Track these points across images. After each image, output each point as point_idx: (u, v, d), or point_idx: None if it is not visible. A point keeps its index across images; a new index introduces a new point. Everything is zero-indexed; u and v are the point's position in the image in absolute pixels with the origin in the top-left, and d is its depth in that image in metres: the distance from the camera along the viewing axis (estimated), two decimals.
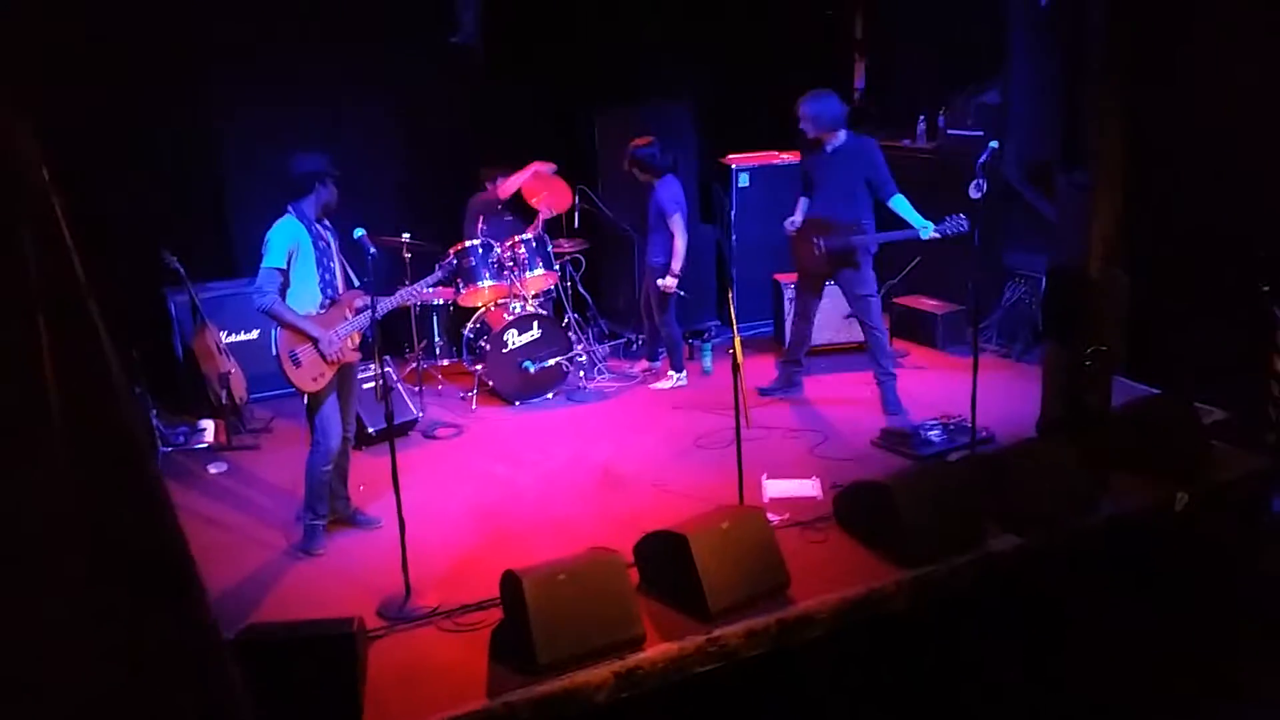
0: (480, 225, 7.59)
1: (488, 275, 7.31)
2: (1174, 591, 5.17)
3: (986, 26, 7.48)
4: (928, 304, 8.21)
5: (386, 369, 5.32)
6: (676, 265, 7.12)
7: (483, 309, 7.51)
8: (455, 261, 7.02)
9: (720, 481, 5.69)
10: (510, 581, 4.35)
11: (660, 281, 7.17)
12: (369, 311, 5.00)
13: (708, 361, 7.78)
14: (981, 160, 5.60)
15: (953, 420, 6.29)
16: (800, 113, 6.65)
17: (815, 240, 6.74)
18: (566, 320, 7.78)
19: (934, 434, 6.17)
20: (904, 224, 6.58)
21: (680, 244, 7.11)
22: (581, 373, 7.62)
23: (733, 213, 8.56)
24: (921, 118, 8.77)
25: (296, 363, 5.10)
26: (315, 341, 5.12)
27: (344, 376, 5.36)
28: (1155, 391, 6.52)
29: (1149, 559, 5.29)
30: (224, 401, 6.66)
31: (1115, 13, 5.45)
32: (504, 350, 7.18)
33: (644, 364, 7.82)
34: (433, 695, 4.12)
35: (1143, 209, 6.09)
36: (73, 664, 1.87)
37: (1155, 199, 6.39)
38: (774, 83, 7.01)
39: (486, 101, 8.06)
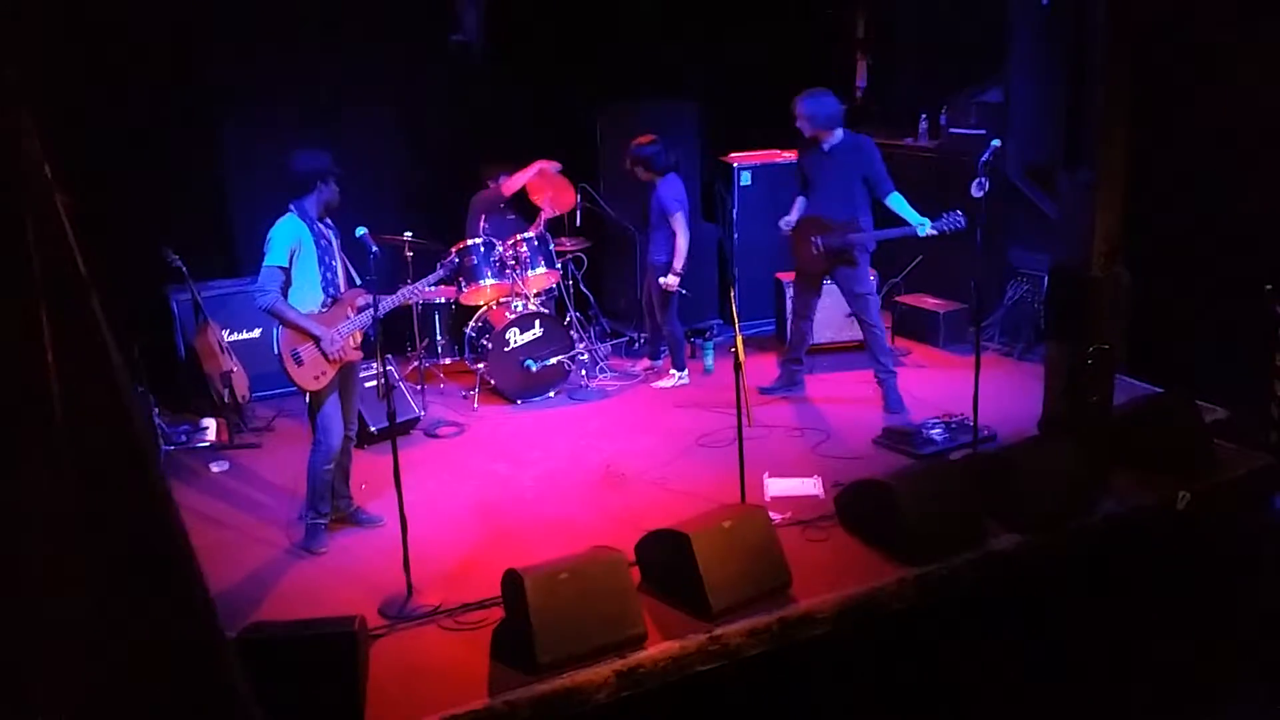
0: (482, 223, 7.59)
1: (490, 274, 7.31)
2: (1175, 591, 5.16)
3: (988, 25, 7.47)
4: (930, 302, 8.21)
5: (388, 367, 5.32)
6: (678, 264, 7.12)
7: (485, 307, 7.51)
8: (457, 260, 7.01)
9: (722, 480, 5.70)
10: (512, 580, 4.35)
11: (662, 280, 7.17)
12: (371, 310, 5.00)
13: (709, 360, 7.77)
14: (983, 159, 5.60)
15: (954, 419, 6.29)
16: (797, 111, 6.65)
17: (813, 239, 6.74)
18: (568, 319, 7.78)
19: (936, 433, 6.17)
20: (901, 221, 6.58)
21: (682, 242, 7.11)
22: (583, 371, 7.62)
23: (734, 211, 8.55)
24: (923, 116, 8.77)
25: (298, 361, 5.10)
26: (317, 340, 5.12)
27: (346, 375, 5.36)
28: (1157, 390, 6.52)
29: (1150, 558, 5.29)
30: (226, 400, 6.66)
31: (1116, 11, 5.45)
32: (506, 349, 7.18)
33: (646, 362, 7.82)
34: (434, 694, 4.12)
35: (1145, 207, 6.09)
36: (74, 663, 1.87)
37: (1158, 197, 6.39)
38: (776, 81, 7.01)
39: (488, 99, 8.06)
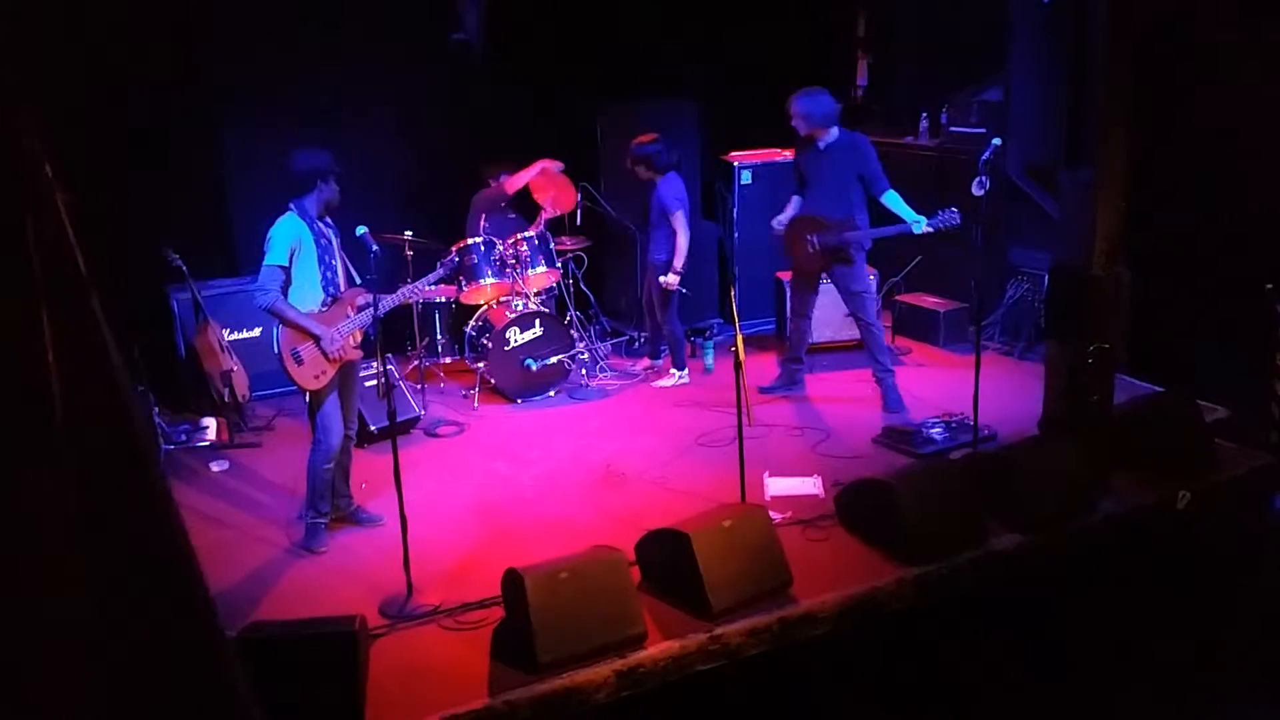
0: (483, 222, 7.59)
1: (490, 273, 7.31)
2: (1176, 590, 5.16)
3: (988, 24, 7.47)
4: (930, 301, 8.21)
5: (389, 367, 5.32)
6: (679, 262, 7.12)
7: (485, 306, 7.51)
8: (457, 259, 7.02)
9: (722, 479, 5.70)
10: (512, 580, 4.35)
11: (662, 279, 7.17)
12: (371, 309, 5.00)
13: (709, 359, 7.77)
14: (984, 157, 5.61)
15: (955, 418, 6.29)
16: (792, 110, 6.66)
17: (809, 237, 6.75)
18: (568, 318, 7.78)
19: (936, 432, 6.17)
20: (897, 219, 6.59)
21: (683, 241, 7.11)
22: (583, 370, 7.62)
23: (735, 210, 8.56)
24: (924, 115, 8.77)
25: (298, 360, 5.10)
26: (317, 339, 5.11)
27: (346, 374, 5.36)
28: (1158, 389, 6.52)
29: (1151, 557, 5.28)
30: (226, 399, 6.66)
31: (1117, 10, 5.45)
32: (506, 348, 7.18)
33: (646, 362, 7.82)
34: (434, 693, 4.12)
35: (1146, 206, 6.09)
36: (74, 663, 1.86)
37: (1158, 196, 6.39)
38: (777, 80, 7.00)
39: (488, 99, 8.06)
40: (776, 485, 5.74)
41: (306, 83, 7.40)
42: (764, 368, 7.46)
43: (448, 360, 7.90)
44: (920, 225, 6.42)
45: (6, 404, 1.80)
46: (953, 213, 6.29)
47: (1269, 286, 6.01)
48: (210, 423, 6.86)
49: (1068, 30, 5.61)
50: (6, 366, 1.80)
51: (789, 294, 7.46)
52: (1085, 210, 5.73)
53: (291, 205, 5.13)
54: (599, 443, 6.56)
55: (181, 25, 6.93)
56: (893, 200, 6.61)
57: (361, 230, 4.89)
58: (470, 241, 7.30)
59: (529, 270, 7.35)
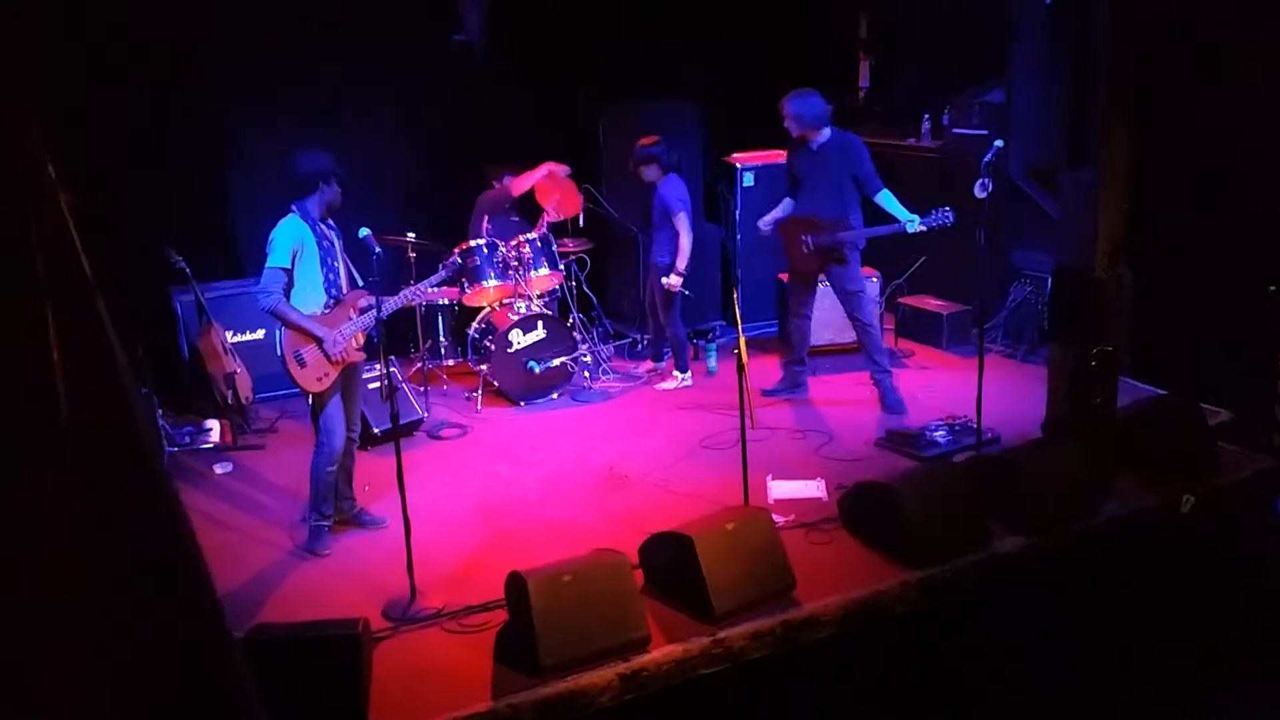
0: (486, 224, 7.58)
1: (493, 275, 7.31)
2: (1179, 593, 5.15)
3: (991, 25, 7.48)
4: (932, 304, 8.20)
5: (391, 369, 5.31)
6: (682, 264, 7.11)
7: (488, 309, 7.51)
8: (460, 261, 7.00)
9: (725, 482, 5.69)
10: (515, 583, 4.34)
11: (664, 280, 7.16)
12: (373, 311, 4.99)
13: (712, 361, 7.76)
14: (986, 159, 5.60)
15: (958, 421, 6.28)
16: (785, 112, 6.66)
17: (803, 238, 6.75)
18: (571, 320, 7.77)
19: (939, 435, 6.16)
20: (891, 219, 6.59)
21: (686, 243, 7.10)
22: (586, 373, 7.61)
23: (737, 212, 8.54)
24: (926, 116, 8.77)
25: (301, 363, 5.09)
26: (320, 341, 5.11)
27: (348, 377, 5.35)
28: (1161, 392, 6.51)
29: (1154, 560, 5.27)
30: (229, 401, 6.65)
31: (1119, 11, 5.45)
32: (509, 350, 7.17)
33: (649, 364, 7.81)
34: (437, 696, 4.11)
35: (1148, 207, 6.08)
36: (78, 663, 1.86)
37: (1160, 197, 6.38)
38: (777, 81, 6.99)
39: (490, 100, 8.05)
40: (780, 488, 5.73)
41: (307, 83, 7.39)
42: (767, 370, 7.45)
43: (451, 362, 7.90)
44: (914, 224, 6.43)
45: (11, 404, 1.79)
46: (946, 212, 6.30)
47: (1271, 288, 6.00)
48: (214, 425, 6.86)
49: (1069, 31, 5.61)
50: (11, 366, 1.80)
51: (788, 294, 7.46)
52: (1087, 211, 5.72)
53: (293, 207, 5.13)
54: (602, 445, 6.55)
55: (182, 25, 6.93)
56: (886, 200, 6.61)
57: (365, 232, 4.88)
58: (473, 243, 7.30)
59: (532, 272, 7.35)
